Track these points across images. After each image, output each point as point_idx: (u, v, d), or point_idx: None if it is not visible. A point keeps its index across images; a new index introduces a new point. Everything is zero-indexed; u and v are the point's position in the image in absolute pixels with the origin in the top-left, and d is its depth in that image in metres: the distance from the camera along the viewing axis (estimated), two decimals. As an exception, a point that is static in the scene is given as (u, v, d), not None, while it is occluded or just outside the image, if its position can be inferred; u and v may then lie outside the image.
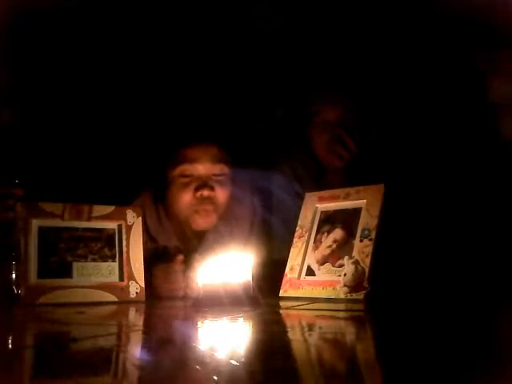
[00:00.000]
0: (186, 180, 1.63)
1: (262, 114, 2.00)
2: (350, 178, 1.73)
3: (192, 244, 1.69)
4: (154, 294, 1.52)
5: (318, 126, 1.81)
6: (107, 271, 1.49)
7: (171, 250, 1.64)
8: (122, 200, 1.62)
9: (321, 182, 1.78)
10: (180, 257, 1.53)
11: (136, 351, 0.87)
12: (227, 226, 1.69)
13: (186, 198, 1.62)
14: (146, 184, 1.73)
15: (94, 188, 1.76)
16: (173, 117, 1.82)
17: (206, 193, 1.61)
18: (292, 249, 1.51)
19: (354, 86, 1.81)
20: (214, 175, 1.64)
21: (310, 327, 1.07)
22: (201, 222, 1.64)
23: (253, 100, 1.99)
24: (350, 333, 1.00)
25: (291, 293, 1.44)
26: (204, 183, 1.62)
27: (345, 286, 1.32)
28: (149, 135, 1.84)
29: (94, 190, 1.72)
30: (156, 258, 1.60)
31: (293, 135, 1.90)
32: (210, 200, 1.62)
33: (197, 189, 1.61)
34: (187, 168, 1.62)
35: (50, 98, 1.90)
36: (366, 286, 1.29)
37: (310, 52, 1.91)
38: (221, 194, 1.64)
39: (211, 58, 1.99)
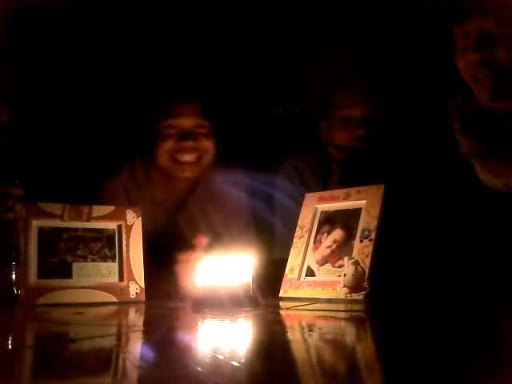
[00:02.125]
0: (171, 131, 1.73)
1: (267, 113, 2.01)
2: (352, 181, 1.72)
3: (176, 195, 1.80)
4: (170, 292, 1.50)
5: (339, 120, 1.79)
6: (107, 272, 1.49)
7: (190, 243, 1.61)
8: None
9: (326, 184, 1.78)
10: (200, 238, 1.51)
11: (136, 352, 0.86)
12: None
13: (167, 148, 1.73)
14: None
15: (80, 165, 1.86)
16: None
17: (189, 143, 1.73)
18: (292, 249, 1.51)
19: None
20: (197, 127, 1.75)
21: (310, 328, 1.07)
22: (186, 171, 1.75)
23: (258, 98, 2.00)
24: (349, 333, 1.00)
25: (291, 293, 1.44)
26: (187, 134, 1.73)
27: (345, 286, 1.32)
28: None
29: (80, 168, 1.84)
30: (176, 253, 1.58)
31: (299, 134, 1.91)
32: (194, 150, 1.73)
33: (180, 139, 1.73)
34: (172, 122, 1.73)
35: (49, 96, 1.90)
36: (366, 286, 1.29)
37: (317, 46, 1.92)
38: (205, 144, 1.75)
39: (221, 46, 1.99)
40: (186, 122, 1.74)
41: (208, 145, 1.75)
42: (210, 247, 1.49)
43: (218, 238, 1.64)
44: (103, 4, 1.91)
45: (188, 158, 1.73)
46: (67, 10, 1.81)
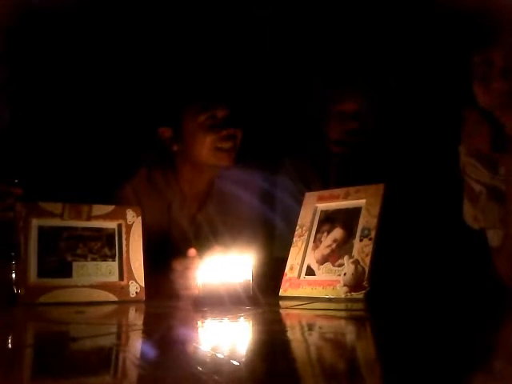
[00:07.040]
0: (210, 122, 1.75)
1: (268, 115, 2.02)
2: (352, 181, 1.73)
3: (191, 202, 1.82)
4: (166, 290, 1.51)
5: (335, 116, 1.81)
6: (107, 271, 1.49)
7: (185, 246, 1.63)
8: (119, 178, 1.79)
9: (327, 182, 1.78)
10: (192, 250, 1.51)
11: (136, 351, 0.87)
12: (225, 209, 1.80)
13: (210, 138, 1.74)
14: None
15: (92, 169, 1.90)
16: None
17: (231, 131, 1.75)
18: (292, 248, 1.51)
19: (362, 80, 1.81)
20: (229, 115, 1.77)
21: (310, 327, 1.07)
22: (225, 159, 1.76)
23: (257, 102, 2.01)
24: (349, 332, 1.00)
25: (291, 292, 1.44)
26: (227, 123, 1.76)
27: (345, 285, 1.32)
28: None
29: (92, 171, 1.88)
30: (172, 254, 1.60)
31: (301, 133, 1.91)
32: (233, 138, 1.76)
33: (222, 128, 1.75)
34: (211, 113, 1.76)
35: (49, 96, 1.90)
36: (366, 285, 1.29)
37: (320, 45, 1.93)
38: (239, 133, 1.78)
39: (221, 49, 2.01)
40: (221, 111, 1.76)
41: (239, 132, 1.78)
42: (199, 258, 1.49)
43: (232, 240, 1.65)
44: (128, 12, 1.93)
45: (229, 144, 1.75)
46: (82, 13, 1.82)
